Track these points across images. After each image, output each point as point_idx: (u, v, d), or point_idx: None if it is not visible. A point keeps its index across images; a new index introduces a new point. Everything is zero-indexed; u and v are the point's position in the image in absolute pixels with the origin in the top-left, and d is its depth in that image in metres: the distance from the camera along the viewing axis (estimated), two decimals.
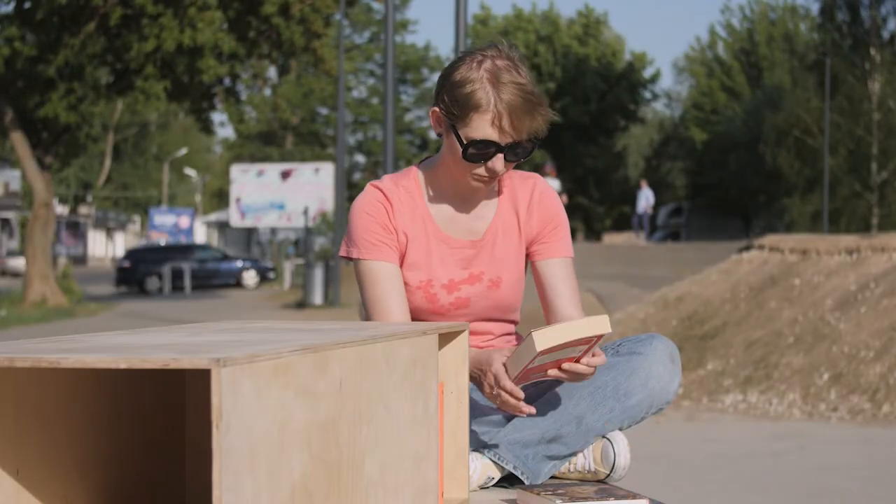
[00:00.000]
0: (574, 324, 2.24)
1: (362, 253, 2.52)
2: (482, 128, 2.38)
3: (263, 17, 22.44)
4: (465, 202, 2.57)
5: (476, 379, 2.41)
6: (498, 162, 2.42)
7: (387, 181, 2.57)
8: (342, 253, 2.56)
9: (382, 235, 2.52)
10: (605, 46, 48.62)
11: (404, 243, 2.54)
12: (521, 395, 2.30)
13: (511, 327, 2.68)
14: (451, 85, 2.41)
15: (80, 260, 60.13)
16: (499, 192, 2.61)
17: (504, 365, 2.33)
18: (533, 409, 2.34)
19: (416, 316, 2.59)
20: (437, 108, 2.46)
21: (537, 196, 2.61)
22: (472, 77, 2.38)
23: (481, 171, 2.44)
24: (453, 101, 2.40)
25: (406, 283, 2.55)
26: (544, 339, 2.21)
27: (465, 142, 2.40)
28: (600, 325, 2.25)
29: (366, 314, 2.55)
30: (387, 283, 2.51)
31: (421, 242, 2.55)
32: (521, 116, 2.37)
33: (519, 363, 2.28)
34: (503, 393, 2.31)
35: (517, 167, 2.61)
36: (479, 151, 2.40)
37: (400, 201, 2.54)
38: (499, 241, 2.58)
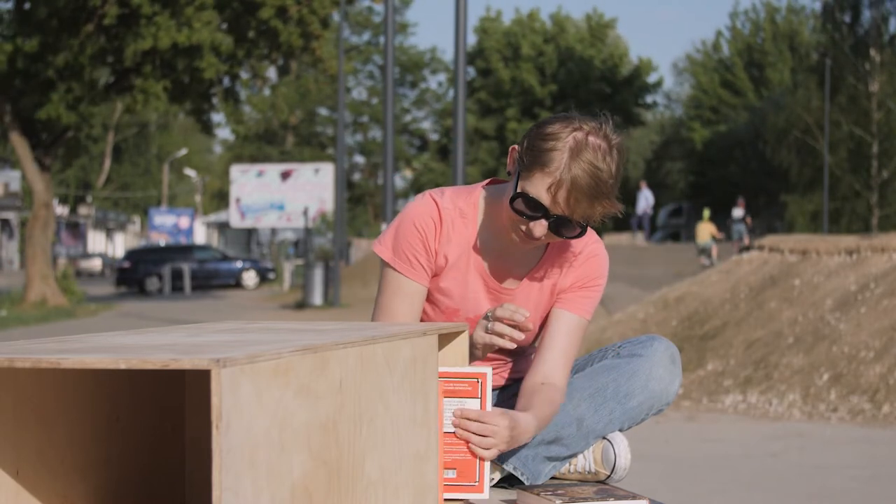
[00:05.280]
0: None
1: (396, 263, 2.45)
2: (538, 188, 2.29)
3: (261, 19, 22.44)
4: (512, 245, 2.46)
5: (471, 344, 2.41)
6: (538, 227, 2.32)
7: (446, 199, 2.47)
8: (377, 250, 2.49)
9: (422, 255, 2.44)
10: (611, 49, 48.71)
11: (443, 265, 2.47)
12: (525, 312, 2.34)
13: (523, 353, 2.67)
14: (537, 134, 2.32)
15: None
16: (548, 244, 2.51)
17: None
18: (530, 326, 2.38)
19: None
20: (516, 147, 2.38)
21: (585, 255, 2.51)
22: (558, 136, 2.28)
23: (523, 227, 2.35)
24: (530, 149, 2.31)
25: (434, 302, 2.51)
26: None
27: (518, 191, 2.32)
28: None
29: (373, 315, 2.52)
30: (406, 302, 2.46)
31: (460, 271, 2.48)
32: (580, 197, 2.27)
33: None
34: (500, 320, 2.35)
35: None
36: (526, 209, 2.32)
37: (451, 224, 2.46)
38: (534, 292, 2.52)
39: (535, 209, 2.30)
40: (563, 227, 2.33)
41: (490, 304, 2.51)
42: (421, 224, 2.44)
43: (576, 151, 2.26)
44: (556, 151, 2.27)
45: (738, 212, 28.76)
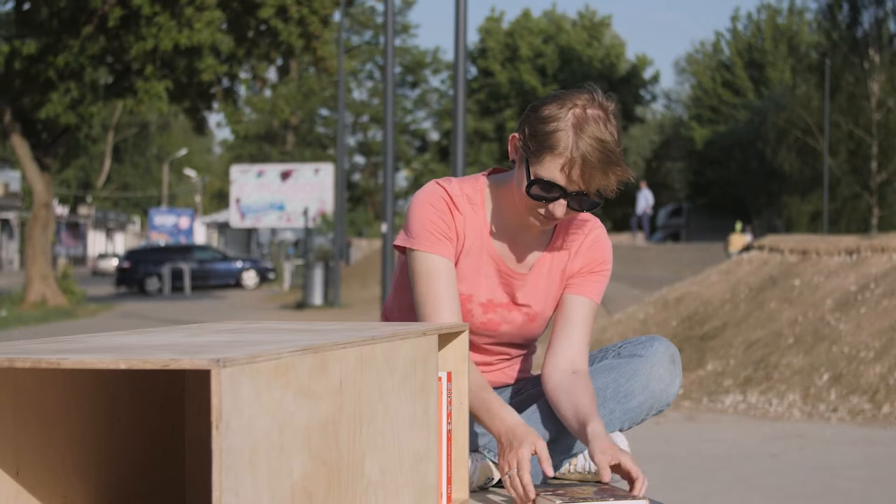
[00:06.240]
0: None
1: (423, 245, 2.44)
2: (551, 170, 2.32)
3: (261, 19, 22.44)
4: (521, 230, 2.51)
5: (498, 443, 2.34)
6: (559, 207, 2.36)
7: (454, 185, 2.50)
8: (399, 242, 2.48)
9: (444, 231, 2.45)
10: (607, 48, 48.81)
11: (459, 250, 2.48)
12: (533, 495, 2.22)
13: (527, 349, 2.69)
14: (535, 119, 2.35)
15: (80, 260, 60.18)
16: (554, 230, 2.56)
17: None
18: None
19: None
20: (516, 135, 2.41)
21: (590, 240, 2.57)
22: (558, 116, 2.32)
23: (542, 210, 2.38)
24: (532, 135, 2.34)
25: None
26: None
27: (531, 178, 2.35)
28: None
29: (416, 308, 2.47)
30: (442, 280, 2.43)
31: (474, 255, 2.50)
32: (593, 171, 2.30)
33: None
34: (518, 484, 2.24)
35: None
36: (543, 192, 2.35)
37: (463, 208, 2.48)
38: (543, 277, 2.55)
39: (552, 191, 2.34)
40: (583, 201, 2.37)
41: (501, 288, 2.53)
42: (437, 204, 2.46)
43: (579, 128, 2.30)
44: (561, 132, 2.31)
45: (747, 237, 33.74)
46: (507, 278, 2.53)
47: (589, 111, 2.33)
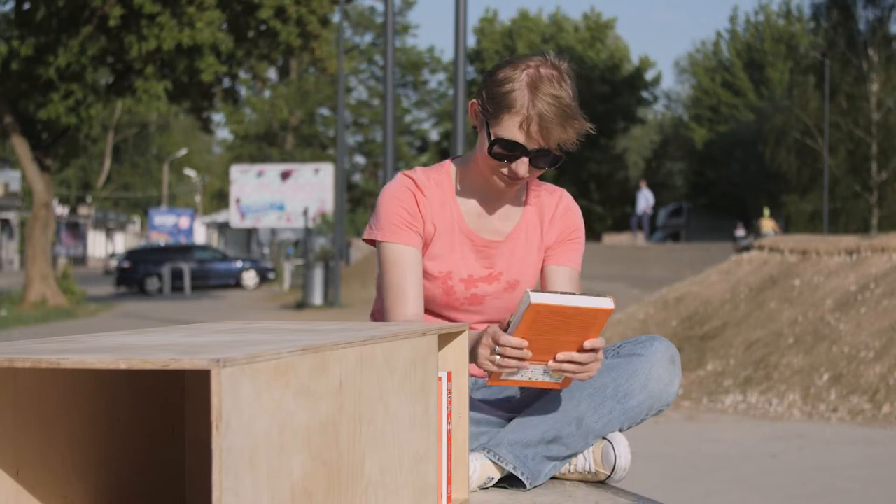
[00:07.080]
0: (575, 296, 2.20)
1: (386, 235, 2.52)
2: (510, 129, 2.41)
3: (260, 19, 22.44)
4: (493, 201, 2.60)
5: (473, 353, 2.34)
6: (521, 165, 2.44)
7: (419, 172, 2.59)
8: (366, 236, 2.57)
9: (408, 220, 2.53)
10: (611, 51, 48.81)
11: (431, 233, 2.55)
12: (524, 343, 2.23)
13: None
14: (492, 82, 2.45)
15: (80, 260, 60.19)
16: (526, 201, 2.64)
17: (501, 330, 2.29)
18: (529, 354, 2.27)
19: (430, 307, 2.59)
20: (475, 101, 2.50)
21: (562, 209, 2.65)
22: (513, 78, 2.41)
23: (505, 170, 2.47)
24: (490, 98, 2.44)
25: (427, 272, 2.57)
26: (541, 297, 2.17)
27: (493, 139, 2.44)
28: (603, 301, 2.20)
29: (382, 296, 2.55)
30: (406, 268, 2.51)
31: (447, 235, 2.57)
32: (551, 126, 2.39)
33: (514, 325, 2.23)
34: (506, 349, 2.24)
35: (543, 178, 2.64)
36: (505, 151, 2.44)
37: (429, 192, 2.56)
38: (520, 245, 2.61)
39: (514, 149, 2.43)
40: (543, 159, 2.45)
41: (479, 262, 2.58)
42: (400, 195, 2.54)
43: (533, 87, 2.39)
44: (516, 91, 2.40)
45: (740, 231, 33.80)
46: (484, 250, 2.59)
47: (542, 70, 2.42)
